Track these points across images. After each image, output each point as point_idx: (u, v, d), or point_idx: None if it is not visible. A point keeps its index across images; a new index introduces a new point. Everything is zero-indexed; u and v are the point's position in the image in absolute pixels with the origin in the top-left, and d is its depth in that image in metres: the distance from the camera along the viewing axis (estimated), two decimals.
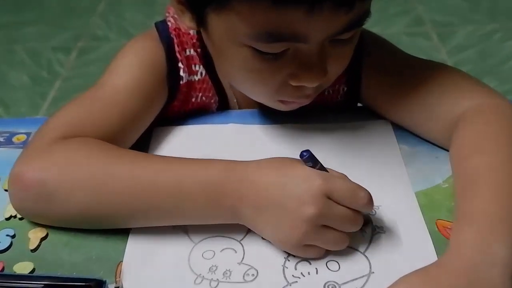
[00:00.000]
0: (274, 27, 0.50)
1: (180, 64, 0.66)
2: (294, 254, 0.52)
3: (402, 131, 0.66)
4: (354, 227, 0.51)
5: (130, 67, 0.63)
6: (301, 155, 0.51)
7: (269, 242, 0.53)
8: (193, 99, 0.69)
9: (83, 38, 2.03)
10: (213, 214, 0.53)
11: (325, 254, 0.52)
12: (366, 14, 0.53)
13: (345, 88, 0.70)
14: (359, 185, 0.51)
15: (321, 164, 0.51)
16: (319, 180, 0.49)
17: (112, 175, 0.53)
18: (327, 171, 0.52)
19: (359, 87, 0.68)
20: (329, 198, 0.49)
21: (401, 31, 1.95)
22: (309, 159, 0.51)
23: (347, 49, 0.58)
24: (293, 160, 0.52)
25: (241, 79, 0.60)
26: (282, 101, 0.61)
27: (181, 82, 0.66)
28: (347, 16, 0.50)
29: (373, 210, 0.56)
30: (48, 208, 0.54)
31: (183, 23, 0.60)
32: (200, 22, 0.57)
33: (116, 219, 0.54)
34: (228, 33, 0.53)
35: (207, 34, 0.58)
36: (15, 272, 0.52)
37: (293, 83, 0.56)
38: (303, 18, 0.48)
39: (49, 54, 1.94)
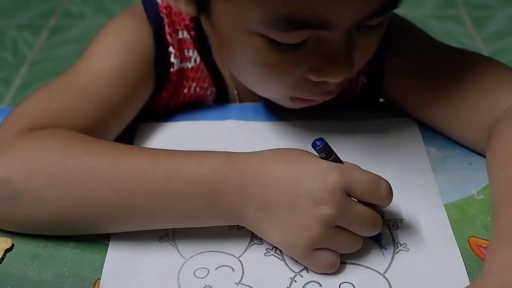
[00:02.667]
0: (295, 12, 0.50)
1: (171, 49, 0.66)
2: (303, 264, 0.52)
3: (430, 131, 0.67)
4: (373, 230, 0.52)
5: (111, 51, 0.63)
6: (314, 145, 0.51)
7: (273, 260, 0.53)
8: (185, 90, 0.70)
9: (55, 15, 2.03)
10: (209, 215, 0.53)
11: (338, 274, 0.52)
12: None
13: (365, 80, 0.70)
14: (377, 175, 0.52)
15: (335, 154, 0.52)
16: (336, 175, 0.50)
17: (90, 170, 0.53)
18: (342, 162, 0.52)
19: (381, 78, 0.68)
20: (347, 194, 0.50)
21: (428, 14, 1.95)
22: (322, 149, 0.51)
23: (375, 37, 0.58)
24: (303, 151, 0.53)
25: (251, 74, 0.60)
26: (298, 99, 0.61)
27: (171, 70, 0.67)
28: None
29: (395, 224, 0.56)
30: (15, 211, 0.54)
31: (177, 7, 0.59)
32: (201, 6, 0.57)
33: (95, 222, 0.54)
34: (238, 20, 0.53)
35: (209, 21, 0.58)
36: None
37: (315, 78, 0.56)
38: (331, 0, 0.49)
39: (14, 34, 1.94)
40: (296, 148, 0.55)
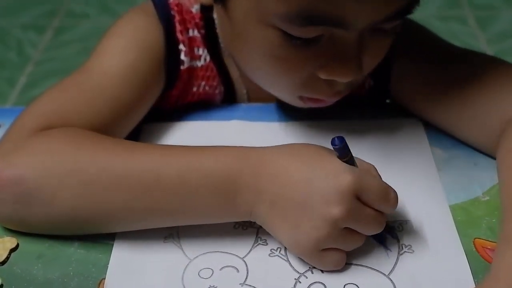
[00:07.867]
0: (313, 8, 0.50)
1: (181, 46, 0.66)
2: (309, 262, 0.52)
3: (435, 132, 0.66)
4: (378, 229, 0.52)
5: (122, 49, 0.63)
6: (333, 143, 0.51)
7: (277, 260, 0.54)
8: (194, 89, 0.70)
9: (59, 15, 2.03)
10: (223, 212, 0.53)
11: (343, 275, 0.52)
12: (417, 0, 0.54)
13: (372, 83, 0.70)
14: (388, 184, 0.52)
15: (351, 156, 0.52)
16: (350, 177, 0.50)
17: (104, 169, 0.53)
18: (355, 163, 0.52)
19: (388, 81, 0.68)
20: (357, 198, 0.50)
21: (432, 14, 1.95)
22: (340, 148, 0.51)
23: (386, 41, 0.58)
24: (319, 148, 0.53)
25: (262, 67, 0.60)
26: (308, 98, 0.61)
27: (181, 67, 0.67)
28: (400, 0, 0.51)
29: (400, 226, 0.56)
30: (28, 211, 0.54)
31: None
32: None
33: (108, 221, 0.54)
34: (254, 10, 0.53)
35: (225, 10, 0.58)
36: None
37: (323, 76, 0.56)
38: (351, 0, 0.49)
39: (18, 34, 1.94)
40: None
